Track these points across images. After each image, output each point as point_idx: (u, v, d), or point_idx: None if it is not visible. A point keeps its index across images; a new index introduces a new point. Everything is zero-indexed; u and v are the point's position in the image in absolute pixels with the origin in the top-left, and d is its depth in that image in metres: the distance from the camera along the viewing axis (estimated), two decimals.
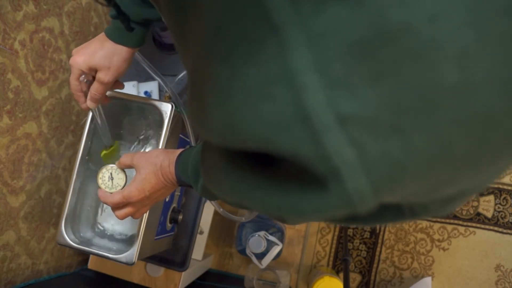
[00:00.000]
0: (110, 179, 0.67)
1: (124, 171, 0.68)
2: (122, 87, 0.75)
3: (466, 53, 0.19)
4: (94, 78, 0.67)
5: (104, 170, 0.68)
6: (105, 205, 0.91)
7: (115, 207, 0.63)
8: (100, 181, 0.67)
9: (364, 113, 0.21)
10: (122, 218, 0.63)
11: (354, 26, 0.20)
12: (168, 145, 0.80)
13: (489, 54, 0.20)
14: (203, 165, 0.42)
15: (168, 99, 0.91)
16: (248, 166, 0.30)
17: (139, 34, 0.65)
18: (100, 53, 0.64)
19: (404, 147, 0.22)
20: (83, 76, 0.66)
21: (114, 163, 0.69)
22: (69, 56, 0.99)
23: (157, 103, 0.80)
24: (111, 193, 0.63)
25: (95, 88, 0.67)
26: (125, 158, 0.65)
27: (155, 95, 0.98)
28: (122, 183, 0.67)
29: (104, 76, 0.65)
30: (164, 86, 0.89)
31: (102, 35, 0.66)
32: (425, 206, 0.31)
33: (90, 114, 0.81)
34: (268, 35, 0.22)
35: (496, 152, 0.24)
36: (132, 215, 0.64)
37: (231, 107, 0.24)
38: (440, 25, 0.19)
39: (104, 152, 0.77)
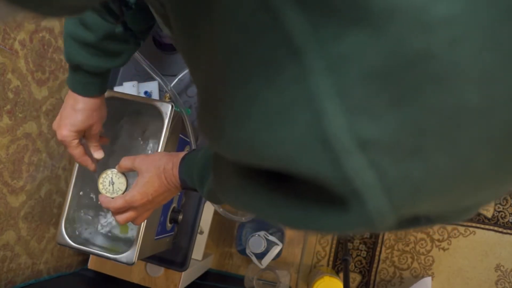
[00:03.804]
0: (111, 183, 0.66)
1: (125, 175, 0.67)
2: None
3: (487, 75, 0.20)
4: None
5: (104, 175, 0.67)
6: None
7: (117, 212, 0.61)
8: (100, 186, 0.66)
9: (385, 137, 0.21)
10: (123, 222, 0.61)
11: (374, 53, 0.20)
12: (168, 145, 0.80)
13: (509, 75, 0.20)
14: (215, 177, 0.40)
15: (168, 99, 0.91)
16: (263, 181, 0.30)
17: (102, 81, 0.67)
18: (79, 118, 0.66)
19: (425, 168, 0.22)
20: (81, 140, 0.69)
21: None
22: None
23: (157, 103, 0.80)
24: (113, 198, 0.61)
25: (92, 140, 0.70)
26: (126, 161, 0.64)
27: (155, 95, 0.98)
28: (123, 188, 0.66)
29: (94, 130, 0.69)
30: (164, 86, 0.89)
31: (69, 96, 0.67)
32: (442, 215, 0.31)
33: None
34: (288, 58, 0.21)
35: None
36: (134, 220, 0.62)
37: (250, 128, 0.24)
38: (461, 49, 0.19)
39: None
